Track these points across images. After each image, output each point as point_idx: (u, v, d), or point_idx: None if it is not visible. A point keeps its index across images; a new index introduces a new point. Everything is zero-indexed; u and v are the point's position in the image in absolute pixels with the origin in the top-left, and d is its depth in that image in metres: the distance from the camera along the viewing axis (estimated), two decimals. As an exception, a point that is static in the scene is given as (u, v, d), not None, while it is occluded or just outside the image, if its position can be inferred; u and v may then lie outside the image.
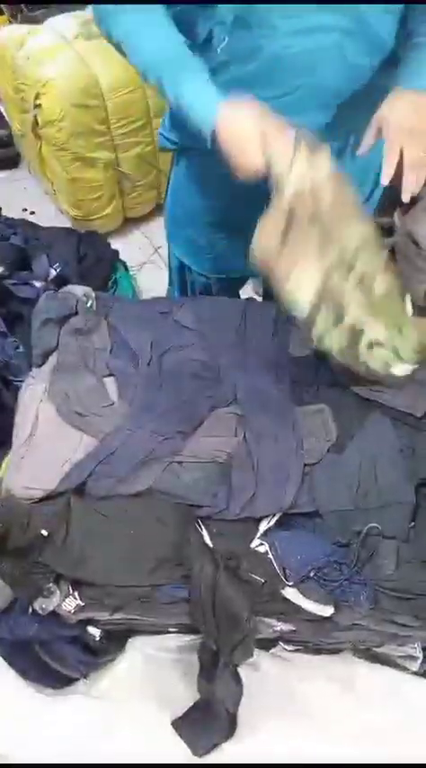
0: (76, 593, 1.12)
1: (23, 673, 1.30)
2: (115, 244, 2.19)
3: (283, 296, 1.06)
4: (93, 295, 1.44)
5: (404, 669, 1.30)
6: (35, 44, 2.21)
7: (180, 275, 1.54)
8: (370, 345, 1.11)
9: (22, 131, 2.48)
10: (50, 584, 1.11)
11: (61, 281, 1.75)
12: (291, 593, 1.08)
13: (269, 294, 1.64)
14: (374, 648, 1.28)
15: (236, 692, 1.17)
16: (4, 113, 2.69)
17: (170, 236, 1.49)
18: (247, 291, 1.82)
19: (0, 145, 2.88)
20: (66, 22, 2.26)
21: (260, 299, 1.74)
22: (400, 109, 0.99)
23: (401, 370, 1.16)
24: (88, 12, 2.27)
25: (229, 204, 1.28)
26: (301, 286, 1.03)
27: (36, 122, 2.23)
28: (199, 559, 1.08)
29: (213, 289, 1.51)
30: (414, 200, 1.73)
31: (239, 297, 1.65)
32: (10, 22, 2.81)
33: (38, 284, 1.76)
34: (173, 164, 1.37)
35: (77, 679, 1.31)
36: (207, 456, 1.17)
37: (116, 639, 1.31)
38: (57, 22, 2.28)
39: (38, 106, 2.17)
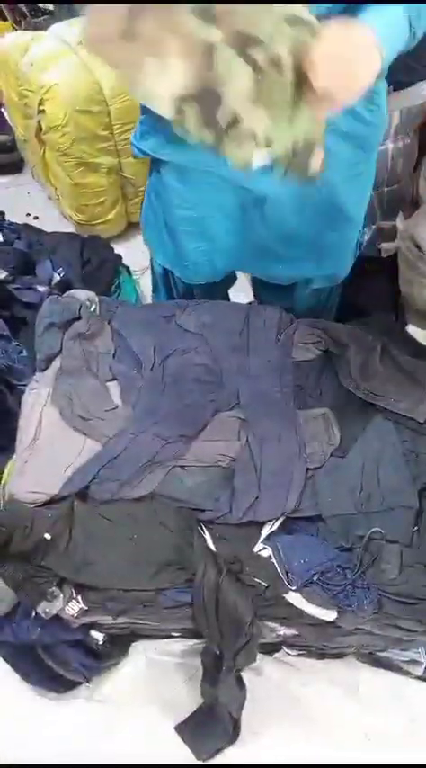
0: (80, 597, 1.12)
1: (26, 676, 1.30)
2: (118, 248, 2.19)
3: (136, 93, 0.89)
4: (97, 299, 1.45)
5: (408, 674, 1.30)
6: (39, 50, 2.22)
7: (165, 281, 1.53)
8: (242, 135, 0.92)
9: (25, 137, 2.49)
10: (53, 588, 1.11)
11: (65, 286, 1.75)
12: (294, 598, 1.07)
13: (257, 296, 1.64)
14: (377, 653, 1.28)
15: (240, 696, 1.17)
16: (8, 119, 2.70)
17: (148, 243, 1.48)
18: (249, 295, 1.81)
19: (4, 150, 2.88)
20: (69, 29, 2.26)
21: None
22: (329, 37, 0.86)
23: (260, 158, 0.95)
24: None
25: (202, 214, 1.27)
26: (162, 79, 0.85)
27: (39, 128, 2.24)
28: (202, 563, 1.08)
29: (196, 293, 1.50)
30: (417, 205, 1.74)
31: (229, 298, 1.64)
32: (14, 28, 2.83)
33: (41, 289, 1.76)
34: (148, 173, 1.36)
35: (80, 683, 1.31)
36: (210, 460, 1.17)
37: (119, 644, 1.31)
38: (61, 29, 2.29)
39: (41, 112, 2.17)
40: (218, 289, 1.52)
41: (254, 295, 1.65)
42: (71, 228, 2.45)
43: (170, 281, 1.51)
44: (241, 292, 1.71)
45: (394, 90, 1.59)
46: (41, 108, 2.17)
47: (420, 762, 1.21)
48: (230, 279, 1.56)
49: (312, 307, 1.50)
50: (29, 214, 2.63)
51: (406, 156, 1.73)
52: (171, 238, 1.36)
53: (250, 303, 1.50)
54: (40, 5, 2.83)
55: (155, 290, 1.63)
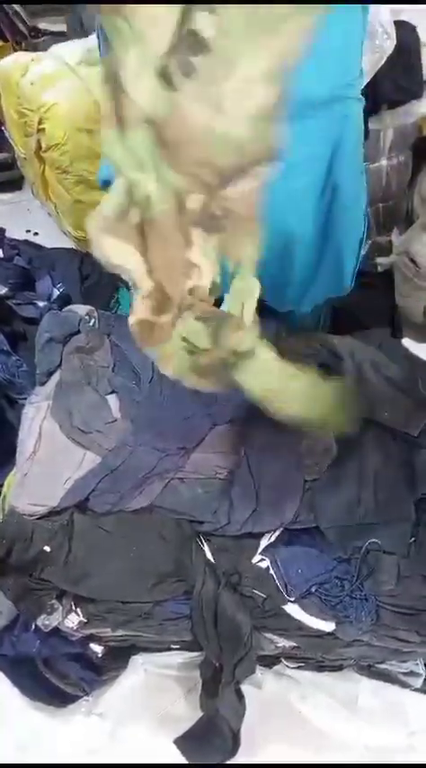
0: (79, 610, 1.12)
1: (25, 690, 1.29)
2: (117, 264, 2.22)
3: None
4: (96, 314, 1.46)
5: (407, 686, 1.30)
6: (39, 70, 2.26)
7: None
8: None
9: (25, 154, 2.52)
10: (53, 601, 1.12)
11: (64, 301, 1.77)
12: (293, 609, 1.08)
13: None
14: (376, 665, 1.28)
15: (239, 709, 1.17)
16: (8, 137, 2.74)
17: None
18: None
19: (4, 168, 2.93)
20: (68, 50, 2.30)
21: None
22: None
23: None
24: (90, 39, 2.32)
25: None
26: None
27: (39, 146, 2.27)
28: (201, 575, 1.08)
29: None
30: (412, 220, 1.76)
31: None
32: (14, 49, 2.87)
33: (41, 304, 1.78)
34: None
35: (80, 697, 1.30)
36: (208, 472, 1.18)
37: (119, 656, 1.31)
38: (60, 50, 2.33)
39: (41, 130, 2.20)
40: None
41: None
42: (70, 244, 2.47)
43: None
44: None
45: (388, 108, 1.63)
46: (41, 126, 2.20)
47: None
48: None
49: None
50: (29, 230, 2.66)
51: (400, 173, 1.76)
52: None
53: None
54: (41, 27, 2.88)
55: None
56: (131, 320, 0.85)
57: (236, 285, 0.92)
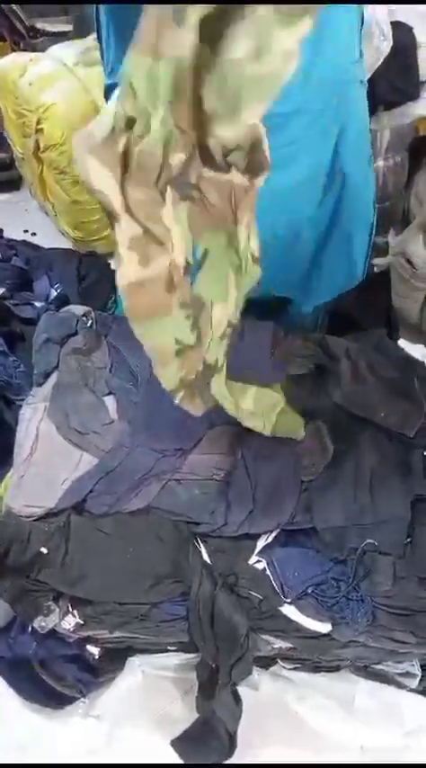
0: (75, 611, 1.12)
1: (22, 692, 1.29)
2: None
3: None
4: (93, 315, 1.46)
5: (403, 687, 1.30)
6: (37, 71, 2.27)
7: None
8: None
9: (23, 154, 2.52)
10: (50, 603, 1.12)
11: (62, 302, 1.77)
12: (289, 610, 1.08)
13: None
14: (373, 666, 1.28)
15: (236, 710, 1.17)
16: (6, 137, 2.74)
17: None
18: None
19: (2, 168, 2.93)
20: (66, 51, 2.31)
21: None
22: None
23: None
24: (88, 40, 2.33)
25: None
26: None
27: (37, 146, 2.28)
28: (198, 576, 1.08)
29: None
30: (408, 221, 1.76)
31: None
32: (12, 49, 2.87)
33: (38, 304, 1.78)
34: None
35: (76, 698, 1.30)
36: (205, 473, 1.18)
37: (115, 658, 1.31)
38: (59, 51, 2.34)
39: (39, 130, 2.21)
40: None
41: None
42: (68, 245, 2.47)
43: None
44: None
45: (385, 110, 1.63)
46: (39, 127, 2.21)
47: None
48: None
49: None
50: (26, 230, 2.66)
51: (397, 174, 1.76)
52: None
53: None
54: (39, 27, 2.88)
55: None
56: (123, 281, 0.80)
57: (203, 278, 0.90)
